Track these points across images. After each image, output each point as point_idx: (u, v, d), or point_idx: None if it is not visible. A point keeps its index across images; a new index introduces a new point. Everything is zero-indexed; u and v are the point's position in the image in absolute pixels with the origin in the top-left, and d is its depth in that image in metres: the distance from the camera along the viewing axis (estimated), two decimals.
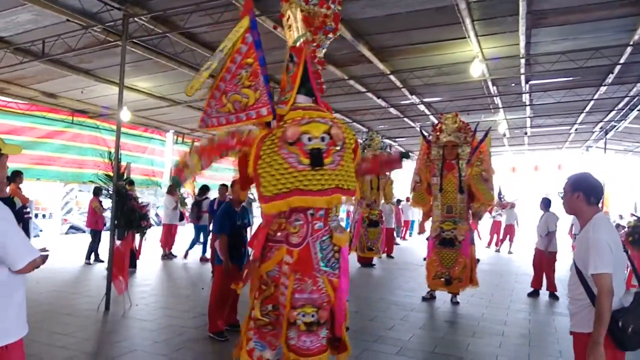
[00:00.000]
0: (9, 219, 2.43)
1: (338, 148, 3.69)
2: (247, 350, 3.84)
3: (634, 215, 10.63)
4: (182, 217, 13.12)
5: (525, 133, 18.38)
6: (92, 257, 10.71)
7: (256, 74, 3.91)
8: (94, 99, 11.82)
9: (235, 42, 3.89)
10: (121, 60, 7.20)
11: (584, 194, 2.97)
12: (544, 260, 8.92)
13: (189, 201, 14.50)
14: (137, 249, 7.20)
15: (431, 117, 14.67)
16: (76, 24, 7.61)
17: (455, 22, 7.71)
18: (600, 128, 18.00)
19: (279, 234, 3.81)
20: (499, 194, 17.54)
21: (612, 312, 2.71)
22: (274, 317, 3.79)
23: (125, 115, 11.01)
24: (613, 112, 15.45)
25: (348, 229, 18.15)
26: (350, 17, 7.55)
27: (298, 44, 4.01)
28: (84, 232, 9.91)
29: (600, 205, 3.07)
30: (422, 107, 13.83)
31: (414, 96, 12.65)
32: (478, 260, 8.46)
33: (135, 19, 7.34)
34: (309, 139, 3.61)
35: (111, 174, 6.94)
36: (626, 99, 13.56)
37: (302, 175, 3.55)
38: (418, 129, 10.97)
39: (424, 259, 8.72)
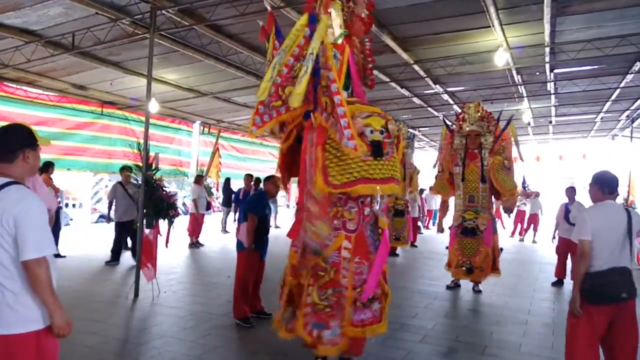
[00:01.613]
0: (34, 208, 2.39)
1: (391, 141, 4.07)
2: (307, 332, 4.10)
3: None
4: (209, 207, 13.39)
5: (550, 122, 18.15)
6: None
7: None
8: (122, 90, 12.07)
9: (296, 39, 4.03)
10: (149, 53, 7.38)
11: (599, 185, 3.87)
12: (572, 249, 8.89)
13: (215, 191, 14.77)
14: (166, 238, 7.41)
15: (455, 106, 14.60)
16: (105, 17, 7.76)
17: (479, 11, 7.69)
18: (627, 116, 17.64)
19: (335, 221, 4.16)
20: (523, 183, 17.42)
21: (588, 273, 3.64)
22: (333, 300, 4.08)
23: (154, 106, 11.22)
24: (639, 101, 15.18)
25: None
26: (375, 7, 7.59)
27: (340, 41, 4.24)
28: (113, 220, 10.23)
29: (614, 194, 3.91)
30: (445, 97, 13.78)
31: (437, 85, 12.61)
32: (501, 249, 8.47)
33: (163, 11, 7.46)
34: (371, 132, 3.99)
35: (140, 164, 7.14)
36: None
37: (367, 165, 3.91)
38: (441, 118, 10.95)
39: (446, 248, 8.78)
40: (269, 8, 4.60)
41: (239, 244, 6.05)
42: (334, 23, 4.26)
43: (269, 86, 3.97)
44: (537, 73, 11.88)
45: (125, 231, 9.92)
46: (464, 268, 7.89)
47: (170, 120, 15.20)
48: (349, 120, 3.82)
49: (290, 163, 4.72)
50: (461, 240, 7.98)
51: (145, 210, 7.08)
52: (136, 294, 6.95)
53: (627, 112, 17.09)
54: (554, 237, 9.41)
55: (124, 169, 9.79)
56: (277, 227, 15.81)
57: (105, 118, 13.10)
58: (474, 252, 7.82)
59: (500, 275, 8.15)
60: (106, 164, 13.17)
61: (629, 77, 11.89)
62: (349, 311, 4.07)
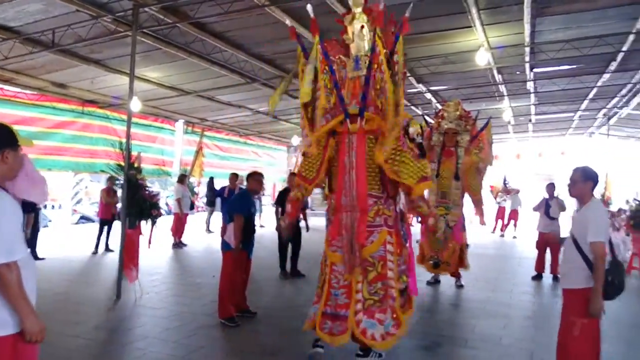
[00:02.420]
0: (3, 211, 2.30)
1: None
2: (360, 332, 4.36)
3: (636, 199, 10.78)
4: (192, 206, 13.34)
5: (530, 120, 18.44)
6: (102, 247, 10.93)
7: (332, 80, 4.59)
8: (104, 89, 11.94)
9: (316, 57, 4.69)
10: (131, 50, 7.33)
11: (594, 183, 3.81)
12: (551, 244, 9.07)
13: (198, 190, 14.72)
14: (148, 238, 7.40)
15: (437, 105, 14.77)
16: (86, 14, 7.68)
17: (461, 11, 7.80)
18: (604, 115, 18.04)
19: (377, 219, 4.58)
20: (504, 180, 17.69)
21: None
22: (382, 293, 4.46)
23: (136, 105, 11.14)
24: (616, 99, 15.50)
25: None
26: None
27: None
28: (94, 222, 10.08)
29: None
30: (428, 96, 13.92)
31: (420, 84, 12.74)
32: (468, 246, 8.60)
33: (146, 9, 7.42)
34: (417, 135, 4.68)
35: (122, 163, 7.07)
36: (629, 86, 13.61)
37: (422, 164, 4.52)
38: (420, 113, 11.09)
39: (417, 242, 8.83)
40: (311, 13, 4.86)
41: (225, 244, 6.03)
42: (367, 36, 4.64)
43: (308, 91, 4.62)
44: (517, 72, 12.09)
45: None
46: (431, 262, 8.01)
47: (152, 119, 15.09)
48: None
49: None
50: (431, 235, 8.08)
51: (127, 211, 7.03)
52: (118, 296, 6.88)
53: (603, 111, 17.47)
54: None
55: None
56: (261, 226, 15.78)
57: (86, 117, 12.94)
58: (442, 247, 7.93)
59: (468, 269, 8.29)
60: (88, 163, 13.01)
61: (606, 76, 12.17)
62: (398, 301, 4.50)
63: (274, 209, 9.82)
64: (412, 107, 15.64)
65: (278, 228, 8.83)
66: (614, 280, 3.58)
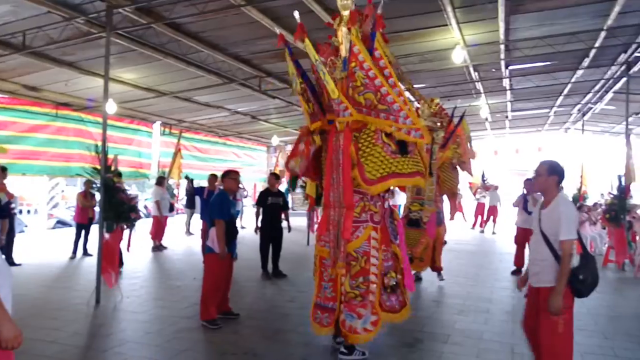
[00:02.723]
0: None
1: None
2: (340, 321, 4.61)
3: (611, 193, 11.00)
4: (171, 208, 13.19)
5: (506, 117, 18.67)
6: (80, 251, 10.77)
7: (308, 88, 4.99)
8: (78, 91, 11.73)
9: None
10: (105, 52, 7.18)
11: (559, 177, 3.72)
12: (529, 239, 9.18)
13: (177, 192, 14.58)
14: (127, 241, 7.30)
15: (415, 103, 14.84)
16: (58, 16, 7.54)
17: (436, 9, 7.86)
18: (578, 110, 18.36)
19: (363, 214, 4.73)
20: (483, 176, 17.89)
21: (573, 269, 3.52)
22: (363, 288, 4.59)
23: (111, 107, 10.99)
24: (589, 95, 15.80)
25: None
26: (335, 6, 7.63)
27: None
28: (71, 226, 9.89)
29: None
30: (407, 94, 13.97)
31: (399, 83, 12.78)
32: (445, 242, 8.67)
33: (119, 10, 7.31)
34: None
35: (99, 166, 6.96)
36: (601, 82, 13.88)
37: (397, 161, 4.53)
38: None
39: None
40: (297, 19, 4.91)
41: (208, 247, 5.98)
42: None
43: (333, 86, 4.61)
44: (493, 70, 12.23)
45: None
46: None
47: (129, 121, 14.88)
48: (408, 113, 4.49)
49: (315, 166, 5.26)
50: (406, 231, 8.12)
51: (105, 214, 6.92)
52: (97, 301, 6.74)
53: (578, 106, 17.79)
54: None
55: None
56: (242, 227, 15.67)
57: (60, 120, 12.69)
58: (415, 243, 7.99)
59: (442, 269, 8.40)
60: (63, 167, 12.77)
61: (579, 72, 12.40)
62: (380, 297, 4.63)
63: (254, 209, 9.77)
64: None
65: (257, 230, 8.83)
66: (587, 278, 3.54)
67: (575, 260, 3.61)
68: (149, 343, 5.21)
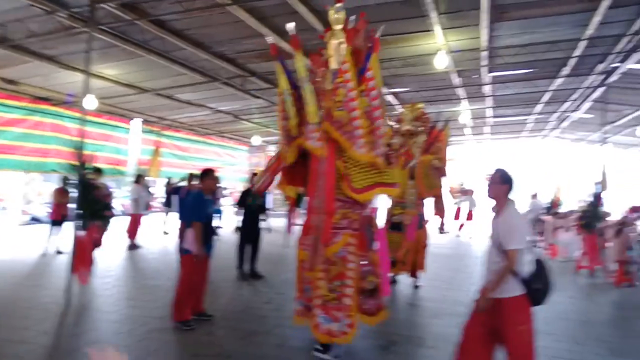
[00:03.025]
0: None
1: (394, 152, 4.97)
2: (314, 326, 4.78)
3: (584, 201, 11.19)
4: (148, 207, 13.05)
5: (487, 123, 18.89)
6: (54, 248, 10.59)
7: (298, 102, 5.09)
8: (57, 86, 11.55)
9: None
10: (87, 47, 7.10)
11: (510, 186, 3.78)
12: None
13: (154, 190, 14.41)
14: (102, 239, 7.21)
15: (398, 107, 14.95)
16: (40, 9, 7.42)
17: (421, 15, 7.93)
18: (556, 118, 18.69)
19: (343, 221, 4.93)
20: (461, 181, 18.07)
21: (528, 278, 3.59)
22: (339, 291, 4.75)
23: (91, 103, 10.83)
24: (568, 103, 16.07)
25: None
26: (321, 8, 7.68)
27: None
28: (45, 223, 9.70)
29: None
30: (389, 98, 14.07)
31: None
32: (426, 245, 8.74)
33: (103, 5, 7.24)
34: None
35: (75, 162, 6.83)
36: (580, 91, 14.14)
37: (382, 172, 4.82)
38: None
39: None
40: (291, 31, 5.08)
41: (184, 248, 5.92)
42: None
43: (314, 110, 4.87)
44: (475, 76, 12.35)
45: None
46: None
47: (108, 117, 14.68)
48: (363, 132, 4.69)
49: (293, 173, 5.43)
50: (388, 234, 8.16)
51: (79, 212, 6.80)
52: (69, 299, 6.57)
53: (556, 114, 18.08)
54: None
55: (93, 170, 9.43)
56: (219, 227, 15.37)
57: (38, 114, 12.46)
58: (398, 247, 8.02)
59: (425, 271, 8.43)
60: (39, 163, 12.53)
61: (558, 80, 12.61)
62: (357, 300, 4.79)
63: (234, 209, 9.73)
64: None
65: (237, 230, 8.79)
66: (540, 288, 3.61)
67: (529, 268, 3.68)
68: (119, 343, 5.13)
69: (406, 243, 8.02)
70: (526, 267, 3.66)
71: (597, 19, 8.20)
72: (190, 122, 17.45)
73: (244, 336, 5.47)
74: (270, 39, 6.41)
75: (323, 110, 4.92)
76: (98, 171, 9.22)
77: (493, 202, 3.86)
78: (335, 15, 5.04)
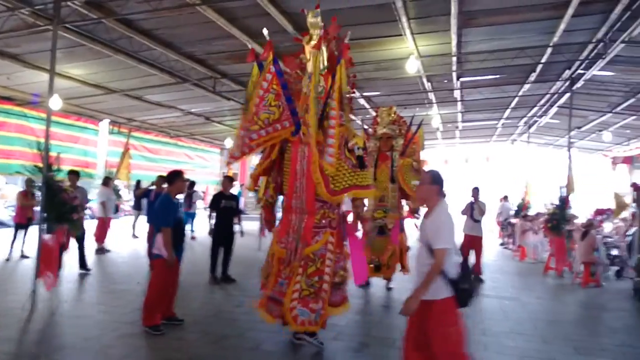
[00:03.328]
0: None
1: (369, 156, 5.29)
2: (292, 318, 4.94)
3: (552, 203, 11.44)
4: (116, 210, 12.79)
5: (457, 127, 19.17)
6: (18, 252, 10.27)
7: (279, 95, 5.10)
8: (21, 85, 11.21)
9: (262, 74, 5.17)
10: (52, 46, 6.89)
11: (440, 187, 3.78)
12: (475, 245, 9.46)
13: (125, 193, 14.15)
14: (68, 243, 7.03)
15: (371, 110, 15.03)
16: (1, 5, 7.19)
17: (392, 19, 7.98)
18: (524, 123, 19.10)
19: (323, 221, 5.19)
20: None
21: (455, 279, 3.55)
22: (317, 286, 4.99)
23: (56, 103, 10.51)
24: (535, 108, 16.44)
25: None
26: (292, 10, 7.66)
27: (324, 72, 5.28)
28: (8, 226, 9.39)
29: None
30: (362, 101, 14.13)
31: (354, 90, 12.90)
32: (409, 248, 8.81)
33: (68, 3, 7.07)
34: (357, 148, 5.20)
35: (40, 164, 6.65)
36: (547, 96, 14.49)
37: (357, 174, 5.10)
38: (359, 121, 11.35)
39: None
40: (267, 36, 5.29)
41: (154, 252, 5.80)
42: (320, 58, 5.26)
43: (249, 116, 5.06)
44: (445, 81, 12.52)
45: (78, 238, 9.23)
46: (372, 265, 8.10)
47: (75, 118, 14.32)
48: (335, 142, 5.00)
49: (269, 172, 5.65)
50: (370, 239, 8.19)
51: (45, 215, 6.62)
52: (34, 305, 6.37)
53: (524, 119, 18.48)
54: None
55: (72, 173, 9.18)
56: (192, 230, 15.22)
57: (1, 115, 12.07)
58: (382, 250, 8.05)
59: (409, 272, 8.44)
60: (2, 164, 12.10)
61: (526, 86, 12.89)
62: (329, 293, 5.02)
63: (207, 212, 9.61)
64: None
65: (211, 232, 8.68)
66: (465, 288, 3.58)
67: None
68: (88, 348, 5.00)
69: (391, 246, 8.05)
70: (453, 268, 3.61)
71: (562, 26, 8.40)
72: (161, 123, 17.18)
73: (215, 340, 5.39)
74: (250, 45, 6.80)
75: (302, 111, 5.18)
76: (75, 174, 9.14)
77: (424, 203, 3.90)
78: (313, 19, 5.15)
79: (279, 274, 5.22)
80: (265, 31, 5.26)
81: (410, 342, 3.74)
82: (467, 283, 3.62)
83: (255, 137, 5.01)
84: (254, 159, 23.80)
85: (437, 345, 3.55)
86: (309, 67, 5.27)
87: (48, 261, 6.59)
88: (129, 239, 14.08)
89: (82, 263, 9.03)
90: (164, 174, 7.33)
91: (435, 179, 3.80)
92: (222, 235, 8.60)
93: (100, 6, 7.53)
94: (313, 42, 5.20)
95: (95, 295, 7.54)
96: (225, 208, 8.64)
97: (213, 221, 8.71)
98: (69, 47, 8.83)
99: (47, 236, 6.65)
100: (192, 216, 14.78)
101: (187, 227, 15.13)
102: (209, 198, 13.84)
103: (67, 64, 9.98)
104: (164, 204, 5.74)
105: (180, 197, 9.05)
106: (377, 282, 8.47)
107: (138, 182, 14.80)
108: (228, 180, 9.24)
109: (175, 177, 5.95)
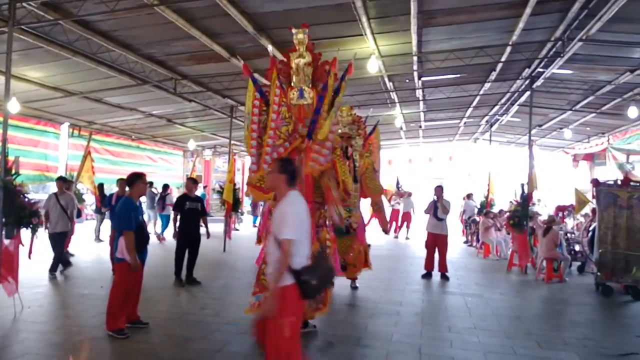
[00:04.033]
0: None
1: None
2: None
3: (515, 201, 11.72)
4: (79, 214, 12.49)
5: (420, 126, 19.41)
6: None
7: (289, 107, 5.62)
8: None
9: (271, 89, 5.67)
10: (8, 48, 6.75)
11: (289, 176, 3.68)
12: (440, 243, 9.62)
13: (87, 197, 13.84)
14: (29, 248, 6.85)
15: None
16: None
17: (352, 19, 8.05)
18: (486, 121, 19.48)
19: (320, 220, 5.76)
20: (397, 183, 18.48)
21: (298, 270, 3.45)
22: None
23: (14, 106, 10.24)
24: (497, 107, 16.79)
25: (257, 221, 18.29)
26: (252, 10, 7.65)
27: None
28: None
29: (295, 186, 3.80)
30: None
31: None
32: (369, 245, 8.93)
33: (24, 4, 6.90)
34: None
35: None
36: (507, 95, 14.81)
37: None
38: None
39: None
40: (270, 52, 5.87)
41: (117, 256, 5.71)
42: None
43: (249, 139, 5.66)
44: (407, 80, 12.68)
45: (57, 243, 9.11)
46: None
47: (35, 121, 13.95)
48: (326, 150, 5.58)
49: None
50: (338, 238, 8.25)
51: (5, 219, 6.46)
52: None
53: (486, 118, 18.86)
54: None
55: (59, 180, 9.13)
56: (156, 233, 14.97)
57: None
58: (348, 250, 8.12)
59: (372, 269, 8.57)
60: None
61: (487, 85, 13.15)
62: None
63: (171, 215, 9.50)
64: None
65: (176, 235, 8.59)
66: (311, 280, 3.48)
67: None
68: (51, 354, 4.94)
69: (357, 246, 8.11)
70: (302, 259, 3.52)
71: (521, 25, 8.56)
72: (122, 126, 16.87)
73: (180, 343, 5.36)
74: (236, 61, 7.19)
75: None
76: (62, 180, 9.32)
77: (274, 191, 3.94)
78: (300, 36, 5.65)
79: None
80: (269, 47, 5.87)
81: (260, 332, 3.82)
82: (311, 276, 3.49)
83: (282, 150, 5.47)
84: (217, 161, 23.74)
85: (267, 334, 3.52)
86: (297, 80, 5.73)
87: (8, 266, 6.45)
88: (92, 243, 13.79)
89: (54, 266, 8.98)
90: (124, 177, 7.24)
91: (284, 168, 3.70)
92: (187, 238, 8.53)
93: (57, 7, 7.38)
94: (304, 60, 5.66)
95: (59, 300, 7.40)
96: (190, 210, 8.57)
97: (178, 224, 8.62)
98: (26, 49, 8.62)
99: (7, 241, 6.51)
100: (166, 218, 14.57)
101: (159, 230, 15.04)
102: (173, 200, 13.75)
103: (25, 67, 9.74)
104: (125, 207, 5.65)
105: (144, 199, 8.93)
106: (342, 282, 8.53)
107: (101, 185, 14.49)
108: (192, 182, 9.17)
109: (135, 179, 5.87)
